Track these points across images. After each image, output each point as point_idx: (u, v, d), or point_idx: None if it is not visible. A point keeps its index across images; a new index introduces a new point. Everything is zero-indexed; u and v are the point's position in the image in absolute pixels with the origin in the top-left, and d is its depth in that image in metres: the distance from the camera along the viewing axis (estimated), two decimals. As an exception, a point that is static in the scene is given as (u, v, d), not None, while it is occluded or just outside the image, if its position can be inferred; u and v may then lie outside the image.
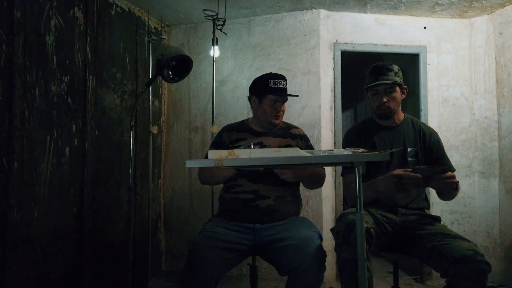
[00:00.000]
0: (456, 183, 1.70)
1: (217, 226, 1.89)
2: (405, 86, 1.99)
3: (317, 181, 2.09)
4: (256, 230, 1.87)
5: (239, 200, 1.93)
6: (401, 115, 2.02)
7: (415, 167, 1.68)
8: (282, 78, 2.03)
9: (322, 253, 1.74)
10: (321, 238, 1.85)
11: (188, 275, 1.69)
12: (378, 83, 1.90)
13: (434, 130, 2.04)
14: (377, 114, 1.98)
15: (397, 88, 1.94)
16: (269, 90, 1.99)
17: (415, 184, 1.67)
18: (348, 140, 2.02)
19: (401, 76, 1.96)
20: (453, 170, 1.92)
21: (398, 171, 1.67)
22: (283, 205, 1.94)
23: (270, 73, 2.08)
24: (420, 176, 1.63)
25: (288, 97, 2.04)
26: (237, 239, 1.83)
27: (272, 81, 1.99)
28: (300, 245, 1.73)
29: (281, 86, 2.00)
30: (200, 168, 2.09)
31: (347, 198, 2.05)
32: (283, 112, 2.07)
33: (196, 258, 1.70)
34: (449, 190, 1.78)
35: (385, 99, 1.91)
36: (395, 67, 1.95)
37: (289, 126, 2.15)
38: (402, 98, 1.98)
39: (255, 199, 1.91)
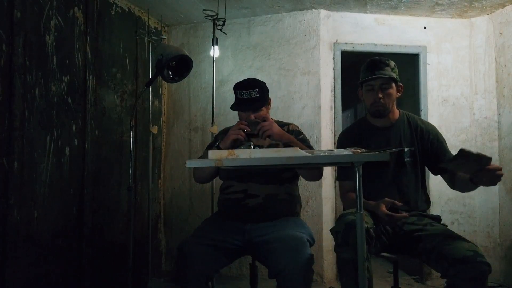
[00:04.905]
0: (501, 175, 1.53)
1: (209, 225, 1.92)
2: (401, 84, 1.92)
3: (311, 168, 1.96)
4: (246, 230, 1.85)
5: (230, 200, 1.94)
6: (396, 113, 1.95)
7: (462, 148, 1.41)
8: (249, 87, 1.88)
9: (307, 257, 1.64)
10: (312, 240, 1.82)
11: (178, 272, 1.74)
12: (374, 77, 1.82)
13: (432, 126, 1.98)
14: (371, 112, 1.91)
15: (393, 85, 1.87)
16: (236, 102, 1.94)
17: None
18: (341, 144, 1.94)
19: (397, 73, 1.88)
20: None
21: (386, 212, 1.67)
22: (275, 204, 1.89)
23: (237, 82, 1.97)
24: (407, 215, 1.65)
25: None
26: (225, 238, 1.82)
27: (238, 92, 1.91)
28: (284, 248, 1.66)
29: (246, 96, 1.89)
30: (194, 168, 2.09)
31: (344, 205, 2.02)
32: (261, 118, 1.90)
33: (183, 255, 1.72)
34: (490, 183, 1.57)
35: (380, 95, 1.84)
36: (392, 63, 1.88)
37: (283, 124, 2.07)
38: (398, 96, 1.91)
39: (244, 198, 1.89)
